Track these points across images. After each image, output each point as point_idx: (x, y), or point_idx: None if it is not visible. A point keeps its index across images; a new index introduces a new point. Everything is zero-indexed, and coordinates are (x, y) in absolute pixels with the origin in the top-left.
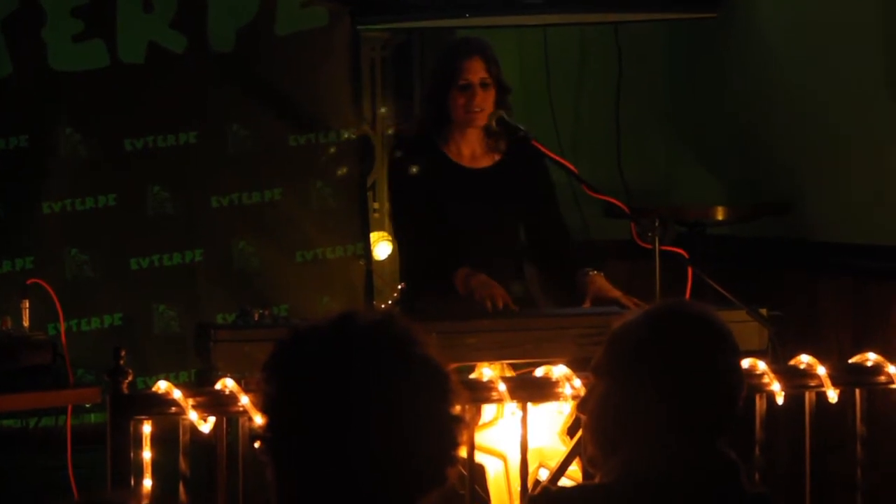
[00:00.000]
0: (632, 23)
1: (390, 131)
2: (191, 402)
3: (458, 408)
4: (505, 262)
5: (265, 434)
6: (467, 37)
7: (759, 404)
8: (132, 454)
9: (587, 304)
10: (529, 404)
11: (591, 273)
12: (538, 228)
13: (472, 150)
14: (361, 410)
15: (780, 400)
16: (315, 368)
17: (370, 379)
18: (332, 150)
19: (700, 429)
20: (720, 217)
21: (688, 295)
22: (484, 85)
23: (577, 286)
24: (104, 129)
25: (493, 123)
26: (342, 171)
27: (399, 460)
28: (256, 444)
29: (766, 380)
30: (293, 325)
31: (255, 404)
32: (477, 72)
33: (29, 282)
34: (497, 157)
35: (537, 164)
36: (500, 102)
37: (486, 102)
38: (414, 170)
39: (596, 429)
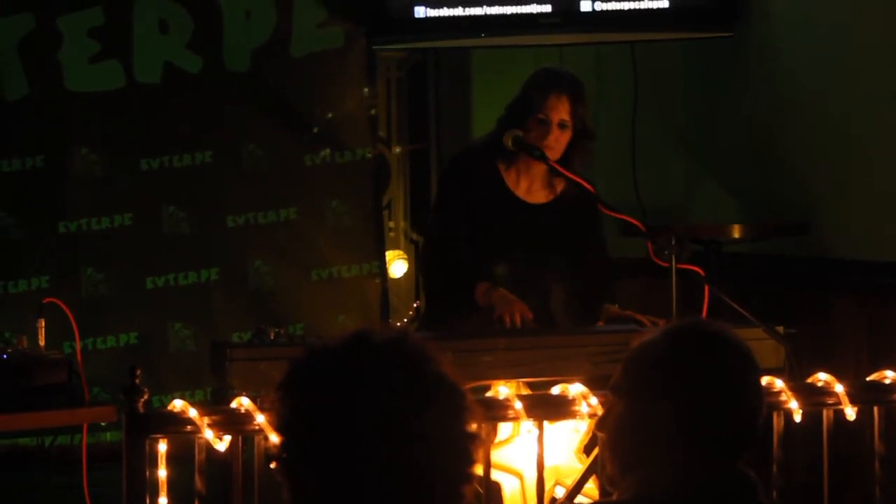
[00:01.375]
0: (648, 42)
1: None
2: (206, 420)
3: (473, 425)
4: (536, 289)
5: (280, 454)
6: (566, 72)
7: (777, 422)
8: (148, 473)
9: (601, 324)
10: (546, 422)
11: (605, 305)
12: (582, 270)
13: (530, 182)
14: (375, 430)
15: (797, 418)
16: (328, 388)
17: (383, 398)
18: (348, 168)
19: (719, 447)
20: (736, 235)
21: (704, 313)
22: (562, 125)
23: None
24: (120, 149)
25: (510, 143)
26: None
27: (413, 479)
28: (272, 465)
29: (783, 397)
30: (308, 343)
31: (270, 423)
32: (560, 112)
33: (45, 301)
34: (554, 195)
35: (590, 206)
36: (574, 146)
37: (558, 143)
38: (468, 188)
39: (614, 447)
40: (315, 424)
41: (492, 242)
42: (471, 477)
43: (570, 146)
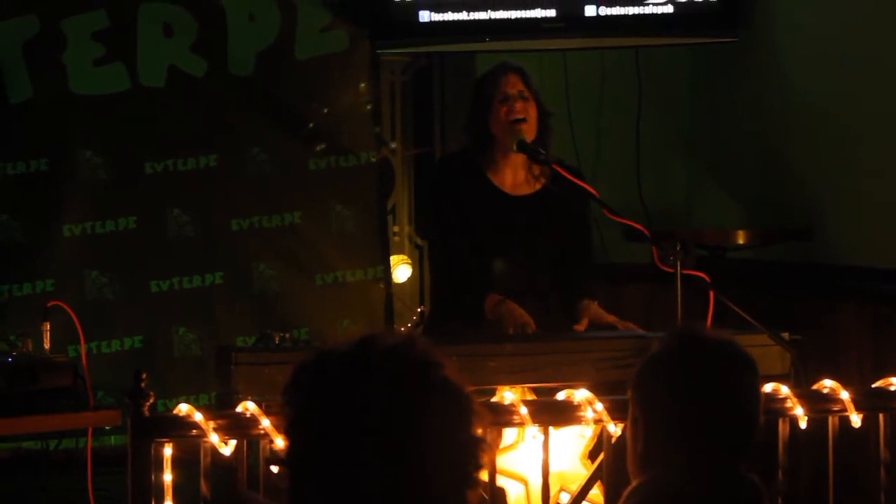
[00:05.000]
0: (652, 47)
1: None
2: (212, 424)
3: (479, 430)
4: (536, 290)
5: (285, 458)
6: (507, 59)
7: (782, 429)
8: (153, 476)
9: (583, 324)
10: (551, 428)
11: (585, 301)
12: (563, 259)
13: (514, 176)
14: (380, 434)
15: (803, 424)
16: (334, 392)
17: (389, 402)
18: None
19: (723, 453)
20: (741, 241)
21: (709, 319)
22: (523, 97)
23: (574, 315)
24: (124, 153)
25: (514, 146)
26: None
27: (419, 484)
28: (274, 469)
29: (789, 404)
30: (314, 347)
31: (276, 427)
32: (514, 85)
33: (49, 304)
34: (539, 186)
35: (576, 196)
36: (542, 120)
37: (527, 112)
38: (453, 190)
39: (629, 452)
40: (319, 428)
41: (487, 240)
42: (476, 482)
43: (540, 127)
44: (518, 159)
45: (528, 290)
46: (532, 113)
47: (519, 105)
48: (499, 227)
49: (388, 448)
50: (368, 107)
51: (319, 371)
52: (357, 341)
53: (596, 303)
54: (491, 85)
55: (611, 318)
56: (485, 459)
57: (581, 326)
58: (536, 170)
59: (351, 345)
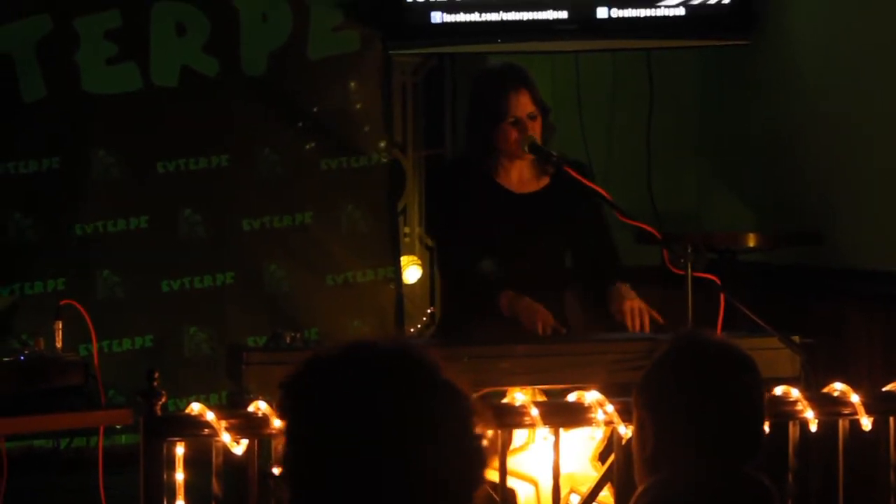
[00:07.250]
0: (664, 50)
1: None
2: (224, 424)
3: (481, 430)
4: (547, 286)
5: (284, 463)
6: (508, 65)
7: (793, 432)
8: (165, 476)
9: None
10: (561, 429)
11: (617, 284)
12: (585, 253)
13: (519, 174)
14: (386, 438)
15: (813, 427)
16: (334, 398)
17: (394, 406)
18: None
19: (729, 455)
20: (751, 244)
21: (720, 322)
22: (532, 117)
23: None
24: (136, 152)
25: (526, 149)
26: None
27: (423, 486)
28: (275, 471)
29: (799, 407)
30: (311, 349)
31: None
32: (525, 106)
33: (62, 303)
34: (545, 182)
35: (585, 188)
36: (545, 127)
37: (535, 132)
38: (460, 192)
39: (636, 456)
40: (320, 434)
41: (497, 239)
42: (482, 481)
43: (543, 126)
44: (523, 158)
45: (539, 286)
46: (538, 129)
47: (529, 125)
48: (507, 225)
49: (391, 451)
50: (380, 107)
51: (316, 376)
52: (352, 345)
53: (627, 285)
54: (500, 103)
55: (630, 298)
56: (490, 458)
57: (619, 305)
58: (541, 167)
59: (345, 348)
